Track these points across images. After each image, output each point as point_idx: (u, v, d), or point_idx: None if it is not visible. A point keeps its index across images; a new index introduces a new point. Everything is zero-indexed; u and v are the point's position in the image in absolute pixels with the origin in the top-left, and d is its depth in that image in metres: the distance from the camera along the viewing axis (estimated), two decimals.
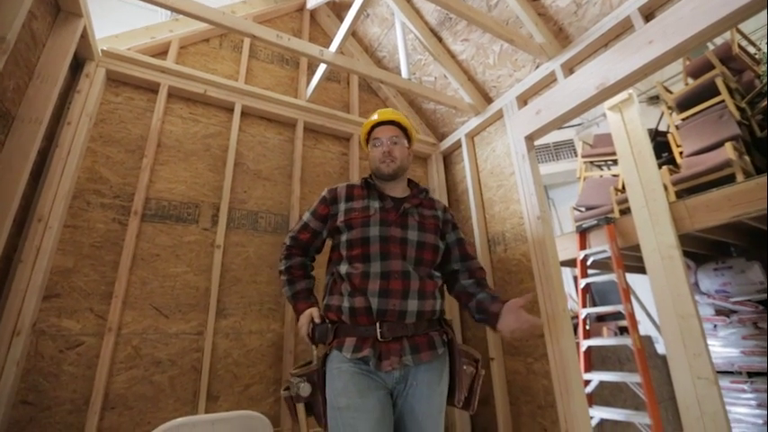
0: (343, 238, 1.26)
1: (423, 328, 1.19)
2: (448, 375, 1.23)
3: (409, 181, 1.45)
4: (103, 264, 1.57)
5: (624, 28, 1.70)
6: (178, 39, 2.07)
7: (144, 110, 1.87)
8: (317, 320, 1.22)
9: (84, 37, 1.61)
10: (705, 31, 1.38)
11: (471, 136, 2.50)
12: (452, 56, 2.38)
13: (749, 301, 3.42)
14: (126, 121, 1.81)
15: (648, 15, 1.63)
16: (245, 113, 2.12)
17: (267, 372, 1.76)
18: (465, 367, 1.23)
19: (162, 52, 2.02)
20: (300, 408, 1.18)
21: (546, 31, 1.93)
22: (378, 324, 1.14)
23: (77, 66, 1.71)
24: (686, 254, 3.63)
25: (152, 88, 1.90)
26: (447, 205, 1.49)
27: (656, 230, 2.80)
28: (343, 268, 1.23)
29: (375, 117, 1.43)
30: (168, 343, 1.60)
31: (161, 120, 1.86)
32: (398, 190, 1.38)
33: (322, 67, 2.21)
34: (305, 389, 1.14)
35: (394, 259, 1.20)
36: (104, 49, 1.78)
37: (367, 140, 1.47)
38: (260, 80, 2.29)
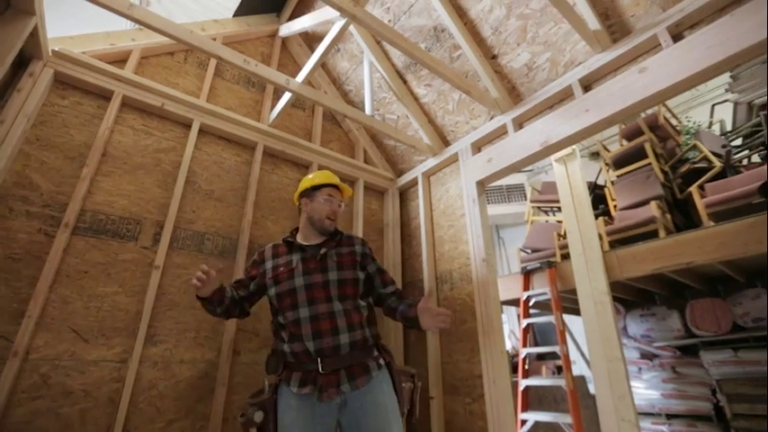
0: (272, 292, 1.41)
1: (358, 356, 1.33)
2: (392, 390, 1.34)
3: None
4: (19, 279, 1.43)
5: (566, 95, 1.90)
6: (140, 48, 2.01)
7: (92, 116, 1.77)
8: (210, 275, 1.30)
9: (34, 35, 1.53)
10: (631, 107, 1.58)
11: (428, 175, 2.60)
12: (415, 98, 2.50)
13: (669, 346, 3.73)
14: (70, 125, 1.71)
15: (587, 87, 1.84)
16: (204, 131, 2.07)
17: (196, 406, 1.64)
18: (404, 384, 1.40)
19: (121, 60, 1.95)
20: None
21: (500, 87, 2.11)
22: (319, 360, 1.29)
23: (21, 63, 1.60)
24: (617, 299, 3.93)
25: (104, 95, 1.82)
26: (365, 239, 1.61)
27: (590, 277, 3.01)
28: (280, 318, 1.39)
29: (332, 181, 1.54)
30: (84, 371, 1.45)
31: (110, 128, 1.78)
32: (317, 239, 1.51)
33: (288, 93, 2.24)
34: (258, 416, 1.28)
35: (319, 303, 1.34)
36: (55, 49, 1.69)
37: (303, 194, 1.55)
38: (223, 99, 2.26)
